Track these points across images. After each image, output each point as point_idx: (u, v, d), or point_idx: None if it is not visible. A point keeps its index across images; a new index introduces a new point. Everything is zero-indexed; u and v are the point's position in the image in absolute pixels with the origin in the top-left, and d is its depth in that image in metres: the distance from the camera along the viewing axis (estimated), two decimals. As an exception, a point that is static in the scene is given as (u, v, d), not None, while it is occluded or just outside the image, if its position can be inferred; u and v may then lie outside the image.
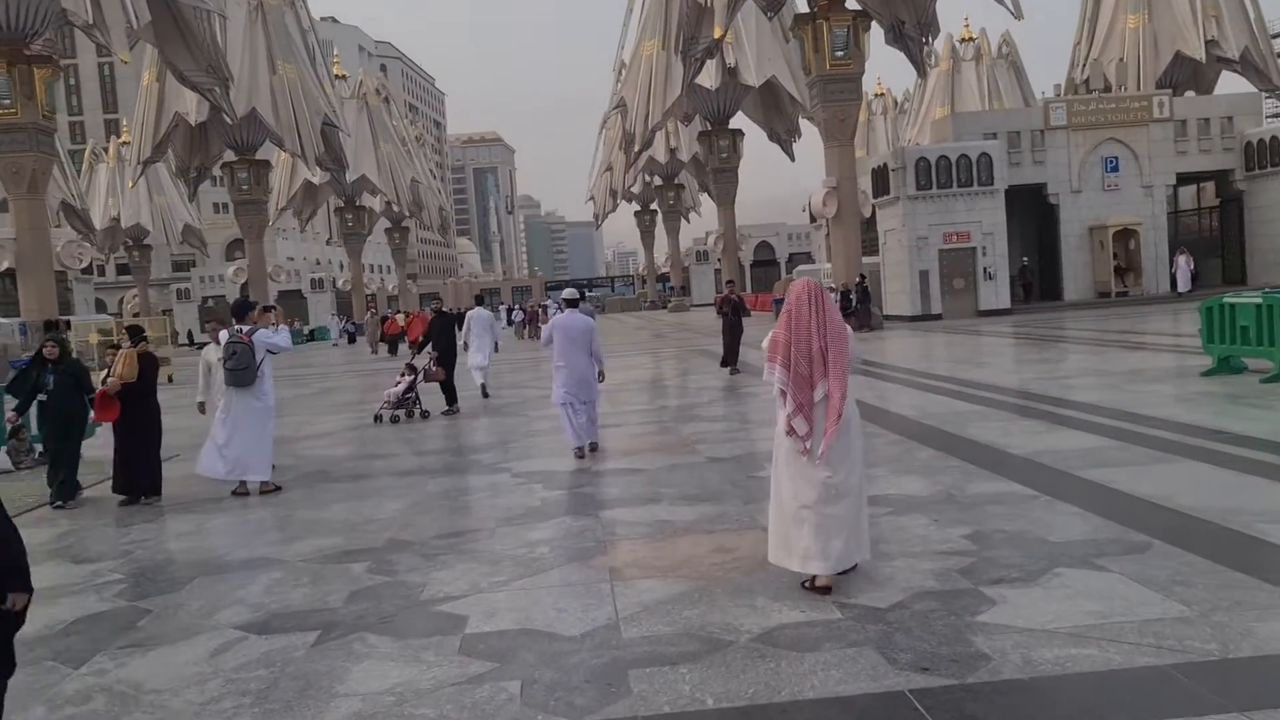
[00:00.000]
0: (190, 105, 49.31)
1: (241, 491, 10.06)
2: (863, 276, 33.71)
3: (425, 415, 15.98)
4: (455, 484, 9.97)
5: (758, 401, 15.67)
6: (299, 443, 14.07)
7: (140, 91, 54.11)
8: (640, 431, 12.83)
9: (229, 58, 42.64)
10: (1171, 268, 36.39)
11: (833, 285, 35.99)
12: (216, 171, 57.87)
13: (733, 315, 20.62)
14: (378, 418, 15.78)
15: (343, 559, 7.14)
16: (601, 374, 11.08)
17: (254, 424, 9.98)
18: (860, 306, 33.01)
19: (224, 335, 10.07)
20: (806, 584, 5.69)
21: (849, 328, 5.95)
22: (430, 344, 16.66)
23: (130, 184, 73.18)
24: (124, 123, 76.37)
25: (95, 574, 7.22)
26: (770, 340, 5.77)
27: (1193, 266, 36.54)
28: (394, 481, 10.30)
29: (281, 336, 10.19)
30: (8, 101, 32.45)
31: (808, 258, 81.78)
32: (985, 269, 34.97)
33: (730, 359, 20.22)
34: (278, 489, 10.16)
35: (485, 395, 18.13)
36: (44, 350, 10.23)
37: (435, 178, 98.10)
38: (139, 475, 9.93)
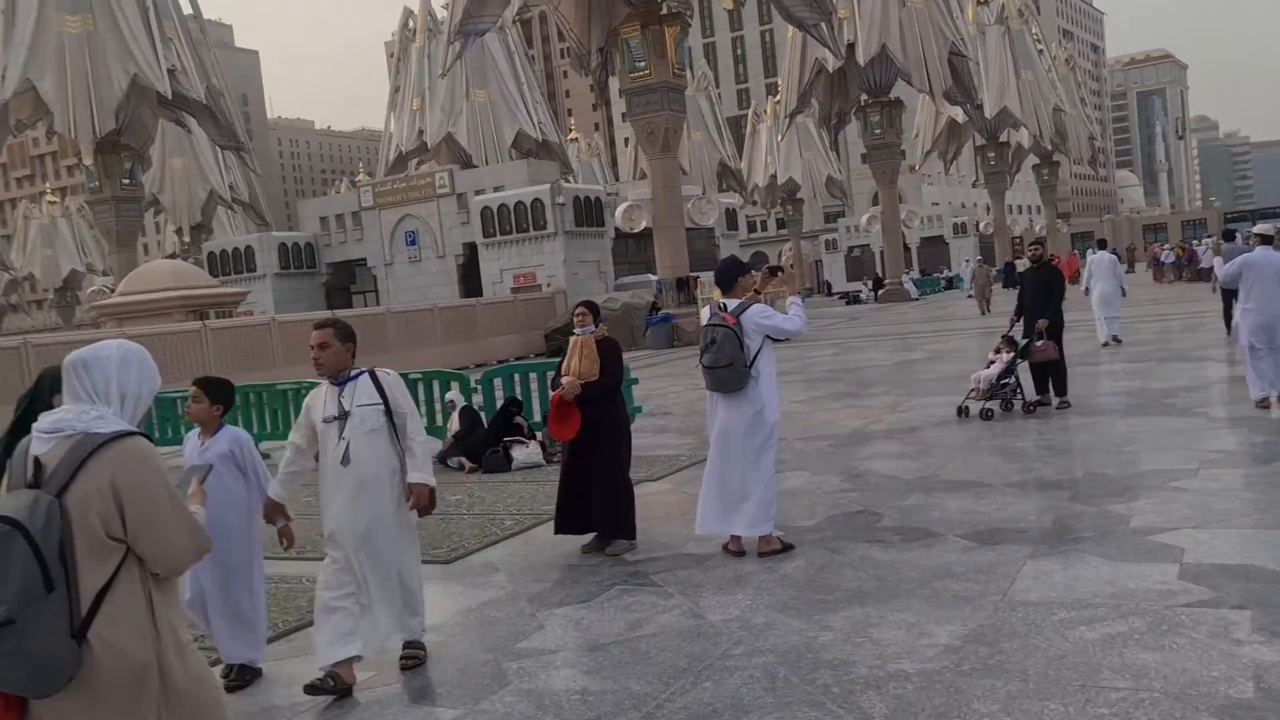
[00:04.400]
0: (828, 52, 48.00)
1: (734, 549, 6.69)
2: None
3: (1030, 409, 11.38)
4: (1070, 583, 5.42)
5: None
6: (862, 445, 10.39)
7: (785, 44, 54.33)
8: None
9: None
10: None
11: None
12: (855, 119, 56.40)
13: None
14: (962, 410, 11.49)
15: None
16: None
17: (744, 448, 6.51)
18: None
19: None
20: None
21: None
22: (1022, 309, 11.80)
23: (779, 137, 75.94)
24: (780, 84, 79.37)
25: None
26: None
27: None
28: (961, 557, 6.08)
29: (790, 316, 6.54)
30: (642, 64, 33.09)
31: None
32: None
33: None
34: (786, 548, 6.61)
35: (1117, 341, 17.96)
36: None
37: (1085, 104, 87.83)
38: (603, 511, 7.01)
